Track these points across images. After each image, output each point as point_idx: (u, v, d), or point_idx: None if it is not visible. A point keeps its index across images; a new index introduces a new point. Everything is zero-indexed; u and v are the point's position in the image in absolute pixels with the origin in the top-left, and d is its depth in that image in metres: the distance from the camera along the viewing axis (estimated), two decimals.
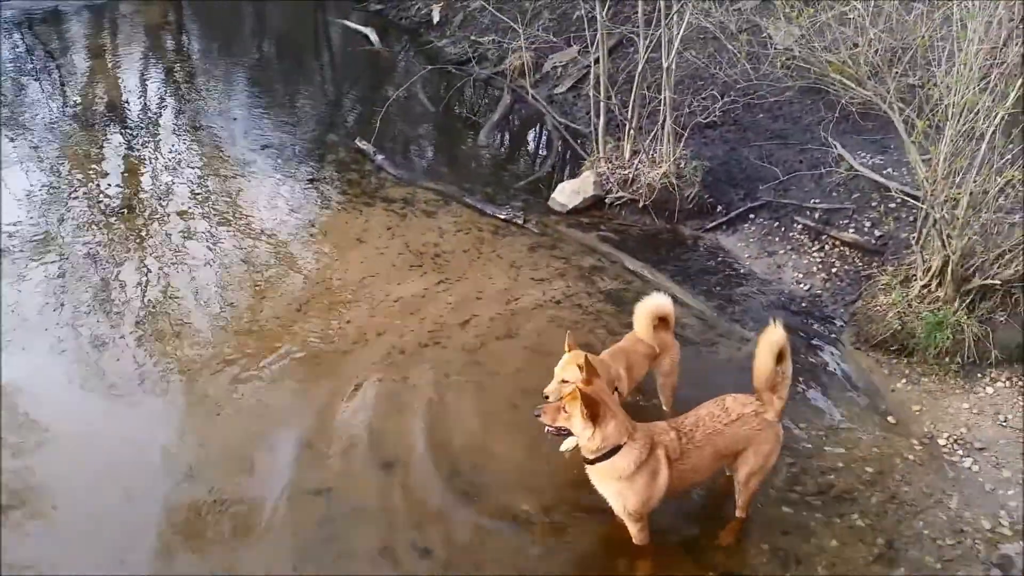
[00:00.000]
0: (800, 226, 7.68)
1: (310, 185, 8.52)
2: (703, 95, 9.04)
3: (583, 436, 4.09)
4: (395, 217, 7.95)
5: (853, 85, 6.96)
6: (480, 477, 5.07)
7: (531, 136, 10.39)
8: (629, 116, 7.97)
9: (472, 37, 11.79)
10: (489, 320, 6.54)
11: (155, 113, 10.13)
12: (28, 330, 6.09)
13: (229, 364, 5.87)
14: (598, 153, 8.25)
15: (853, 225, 7.48)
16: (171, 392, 5.65)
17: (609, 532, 4.61)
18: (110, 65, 11.52)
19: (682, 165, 7.84)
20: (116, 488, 4.85)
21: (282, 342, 6.14)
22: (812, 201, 7.83)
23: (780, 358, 4.46)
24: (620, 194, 7.98)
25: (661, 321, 5.29)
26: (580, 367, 4.40)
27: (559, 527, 4.76)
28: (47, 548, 4.50)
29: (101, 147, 9.07)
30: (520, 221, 7.89)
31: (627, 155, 8.07)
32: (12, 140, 8.98)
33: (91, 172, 8.51)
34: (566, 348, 4.71)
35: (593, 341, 6.26)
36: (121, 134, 9.44)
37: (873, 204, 7.54)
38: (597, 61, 8.18)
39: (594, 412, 4.02)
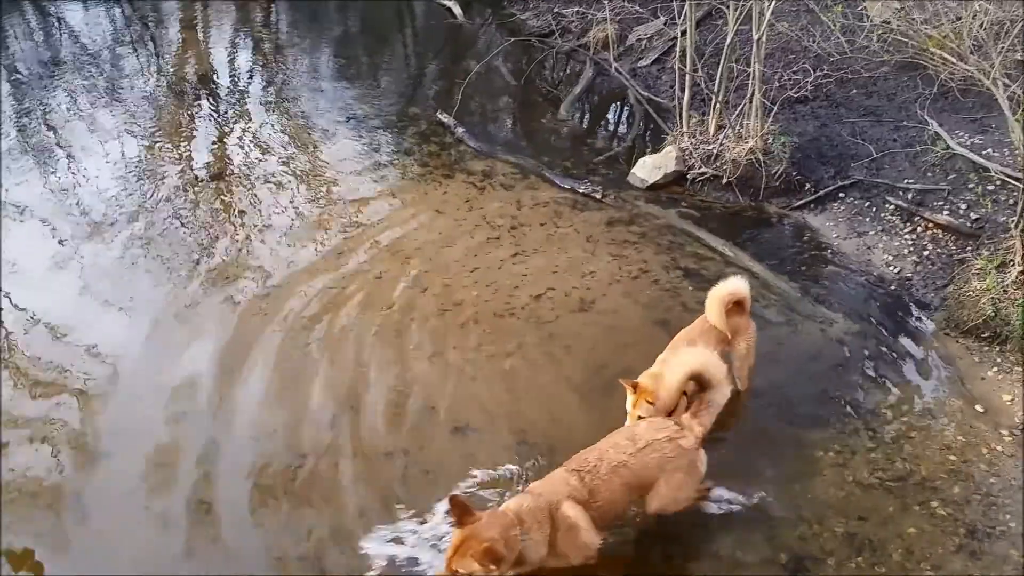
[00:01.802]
0: (892, 207, 7.39)
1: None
2: (794, 69, 8.75)
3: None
4: (474, 189, 8.00)
5: (954, 60, 6.65)
6: (548, 448, 5.10)
7: (612, 110, 10.25)
8: (716, 90, 7.78)
9: (555, 9, 11.66)
10: (564, 294, 6.54)
11: (243, 84, 10.40)
12: (115, 289, 6.43)
13: (306, 330, 6.05)
14: (681, 128, 8.10)
15: (948, 207, 7.15)
16: (264, 354, 5.88)
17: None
18: (201, 37, 11.87)
19: (769, 141, 7.62)
20: (189, 440, 5.10)
21: (356, 307, 6.29)
22: (905, 181, 7.52)
23: (705, 385, 4.23)
24: (703, 170, 7.82)
25: (736, 305, 5.18)
26: (650, 402, 4.54)
27: None
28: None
29: (192, 117, 9.39)
30: (598, 196, 7.83)
31: (712, 130, 7.89)
32: (111, 110, 9.39)
33: (182, 141, 8.84)
34: (629, 390, 4.70)
35: (669, 319, 6.21)
36: (211, 105, 9.74)
37: (970, 186, 7.18)
38: (684, 33, 8.00)
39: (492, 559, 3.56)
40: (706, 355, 4.23)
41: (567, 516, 3.88)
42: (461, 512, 3.69)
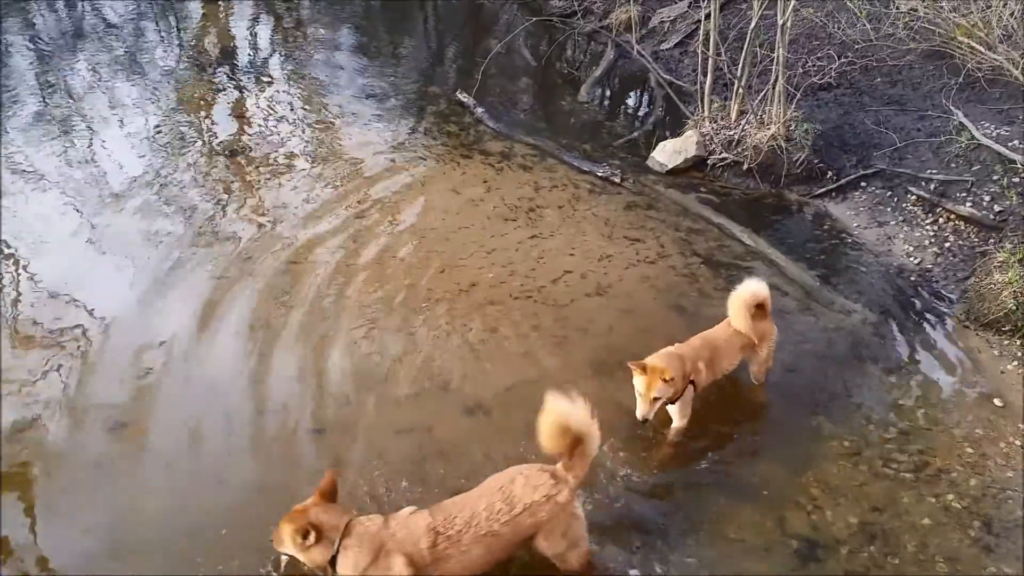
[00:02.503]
0: (914, 197, 7.31)
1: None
2: (818, 55, 8.66)
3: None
4: (492, 170, 7.97)
5: (982, 49, 6.54)
6: None
7: (633, 93, 10.18)
8: (739, 74, 7.70)
9: None
10: (580, 277, 6.52)
11: (263, 60, 10.39)
12: (131, 261, 6.46)
13: (321, 307, 6.07)
14: (703, 112, 8.03)
15: (971, 198, 7.07)
16: (284, 329, 5.89)
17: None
18: (222, 12, 11.85)
19: (792, 127, 7.55)
20: (212, 412, 5.13)
21: (371, 286, 6.30)
22: (928, 171, 7.43)
23: (577, 441, 3.85)
24: (723, 155, 7.76)
25: (758, 308, 5.06)
26: (665, 380, 4.50)
27: (633, 487, 4.76)
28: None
29: (212, 91, 9.38)
30: (617, 179, 7.79)
31: (734, 115, 7.82)
32: (132, 83, 9.40)
33: (201, 115, 8.85)
34: (638, 372, 4.60)
35: (686, 304, 6.18)
36: (230, 79, 9.73)
37: (994, 177, 7.09)
38: (708, 16, 7.91)
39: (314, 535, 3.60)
40: (571, 408, 3.78)
41: (388, 568, 3.64)
42: (325, 491, 3.76)
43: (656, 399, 4.60)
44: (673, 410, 4.91)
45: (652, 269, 6.63)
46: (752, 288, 4.98)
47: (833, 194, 7.63)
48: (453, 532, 3.69)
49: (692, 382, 4.84)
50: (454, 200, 7.45)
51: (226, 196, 7.36)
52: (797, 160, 7.57)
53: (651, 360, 4.66)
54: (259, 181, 7.62)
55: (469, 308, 6.12)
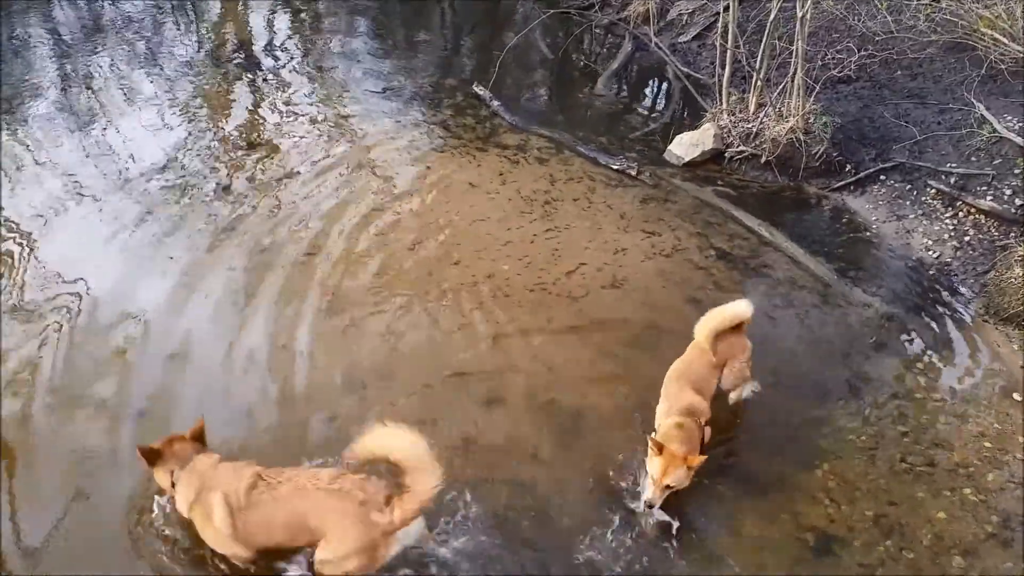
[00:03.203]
0: (933, 191, 7.24)
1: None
2: (838, 47, 8.56)
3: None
4: (507, 163, 7.97)
5: (1006, 41, 6.46)
6: (575, 423, 5.11)
7: (650, 86, 10.13)
8: (757, 67, 7.66)
9: None
10: (596, 269, 6.51)
11: (281, 53, 10.43)
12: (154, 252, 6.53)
13: (336, 296, 6.10)
14: (721, 105, 7.99)
15: (991, 192, 6.99)
16: (306, 318, 5.95)
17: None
18: (240, 5, 11.91)
19: (811, 120, 7.49)
20: (233, 399, 5.18)
21: (389, 277, 6.32)
22: (948, 165, 7.35)
23: (403, 471, 3.77)
24: (741, 148, 7.72)
25: (734, 328, 4.89)
26: (691, 466, 4.15)
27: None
28: None
29: (229, 85, 9.44)
30: (633, 172, 7.77)
31: (752, 108, 7.78)
32: (149, 77, 9.48)
33: (218, 107, 8.91)
34: (654, 451, 4.23)
35: (701, 297, 6.16)
36: (248, 72, 9.78)
37: (1016, 171, 7.01)
38: (727, 8, 7.87)
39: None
40: (404, 440, 3.74)
41: (209, 504, 3.86)
42: (195, 433, 4.12)
43: (668, 487, 4.23)
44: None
45: (668, 262, 6.61)
46: (737, 310, 4.81)
47: (852, 188, 7.57)
48: (274, 481, 3.88)
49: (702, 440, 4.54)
50: (470, 193, 7.46)
51: (243, 189, 7.41)
52: (816, 153, 7.51)
53: (670, 435, 4.34)
54: (275, 173, 7.66)
55: (484, 300, 6.12)
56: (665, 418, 4.59)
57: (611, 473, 4.74)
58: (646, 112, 9.53)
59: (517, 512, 4.52)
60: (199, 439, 4.13)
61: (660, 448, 4.19)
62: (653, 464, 4.22)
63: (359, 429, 4.88)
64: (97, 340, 5.60)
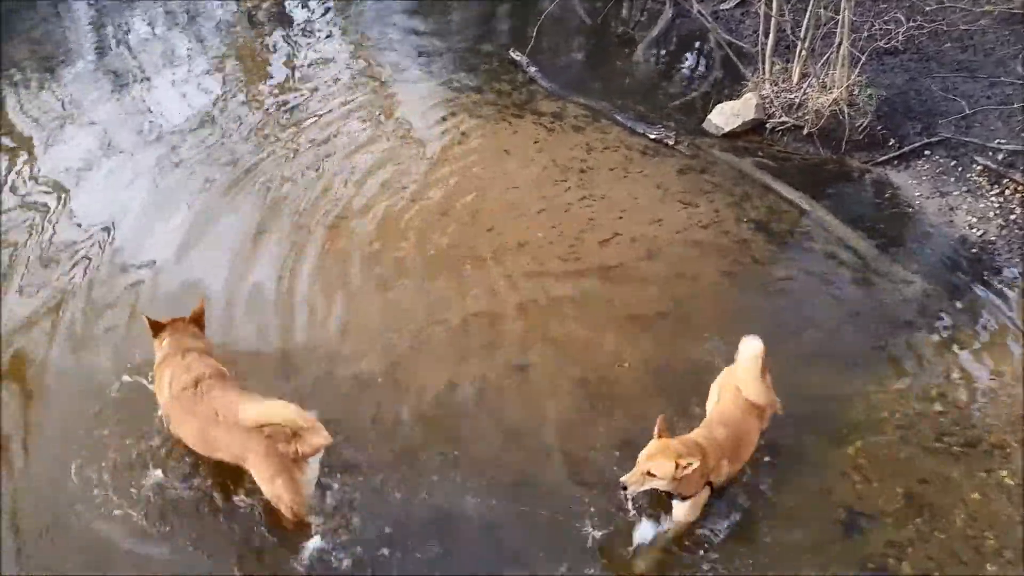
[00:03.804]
0: (980, 167, 7.06)
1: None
2: (885, 18, 8.31)
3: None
4: (543, 130, 7.90)
5: None
6: (609, 389, 5.13)
7: (690, 54, 9.93)
8: (802, 36, 7.47)
9: None
10: (630, 240, 6.46)
11: (316, 16, 10.37)
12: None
13: (368, 260, 6.15)
14: (763, 75, 7.82)
15: None
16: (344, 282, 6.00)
17: None
18: None
19: (855, 92, 7.31)
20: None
21: (424, 243, 6.33)
22: (996, 141, 7.16)
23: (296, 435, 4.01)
24: (783, 119, 7.56)
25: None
26: (679, 464, 3.83)
27: None
28: None
29: (264, 46, 9.45)
30: (671, 142, 7.66)
31: (795, 78, 7.61)
32: (186, 36, 9.53)
33: (254, 68, 8.94)
34: (655, 433, 4.01)
35: (737, 271, 6.09)
36: (283, 34, 9.76)
37: None
38: None
39: None
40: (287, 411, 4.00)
41: (160, 377, 4.41)
42: (195, 315, 4.64)
43: (650, 476, 3.89)
44: (679, 505, 4.20)
45: (704, 234, 6.54)
46: (756, 348, 4.27)
47: (895, 162, 7.39)
48: (201, 394, 4.21)
49: (710, 483, 4.18)
50: (504, 160, 7.41)
51: (277, 151, 7.45)
52: (859, 126, 7.35)
53: (687, 439, 4.09)
54: (309, 136, 7.68)
55: (517, 266, 6.12)
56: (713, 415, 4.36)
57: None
58: (685, 81, 9.35)
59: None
60: (198, 321, 4.65)
61: (660, 433, 3.99)
62: (651, 445, 3.97)
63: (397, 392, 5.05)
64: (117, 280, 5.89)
